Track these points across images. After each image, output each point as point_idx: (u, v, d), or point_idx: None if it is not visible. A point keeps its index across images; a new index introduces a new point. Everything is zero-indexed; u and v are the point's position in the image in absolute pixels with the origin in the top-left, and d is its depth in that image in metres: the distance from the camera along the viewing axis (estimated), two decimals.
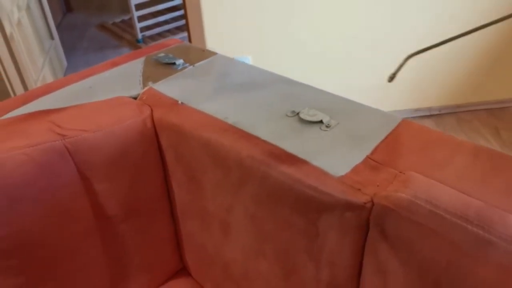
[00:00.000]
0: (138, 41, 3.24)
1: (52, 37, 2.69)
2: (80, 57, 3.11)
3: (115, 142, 0.83)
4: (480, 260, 0.51)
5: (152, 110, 0.87)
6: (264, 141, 0.75)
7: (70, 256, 0.87)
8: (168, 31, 3.39)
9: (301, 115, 0.81)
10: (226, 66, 1.01)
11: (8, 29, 1.89)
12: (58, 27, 3.35)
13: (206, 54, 1.07)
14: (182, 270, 1.09)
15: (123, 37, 3.38)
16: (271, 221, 0.72)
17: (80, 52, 3.19)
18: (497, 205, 0.57)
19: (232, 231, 0.81)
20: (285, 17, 1.86)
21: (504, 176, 0.62)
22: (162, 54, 1.07)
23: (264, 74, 0.98)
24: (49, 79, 2.46)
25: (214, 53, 1.08)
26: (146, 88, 0.93)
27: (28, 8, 2.31)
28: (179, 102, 0.87)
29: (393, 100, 2.11)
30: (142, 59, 1.06)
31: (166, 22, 3.43)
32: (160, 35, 3.34)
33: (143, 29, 3.26)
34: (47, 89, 0.93)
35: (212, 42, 1.85)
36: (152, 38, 3.30)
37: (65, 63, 2.92)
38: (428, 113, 2.13)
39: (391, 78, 0.79)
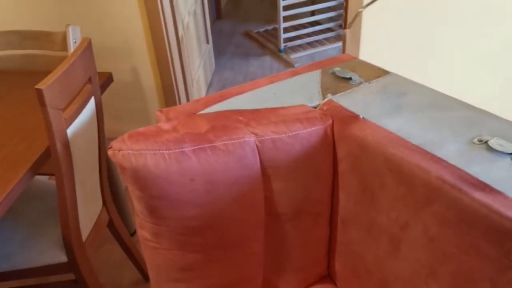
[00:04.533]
0: (280, 50, 3.38)
1: (207, 42, 2.95)
2: (226, 62, 3.35)
3: (298, 146, 0.89)
4: None
5: (333, 121, 0.92)
6: (453, 165, 0.75)
7: (240, 243, 0.95)
8: (308, 43, 3.49)
9: (490, 144, 0.79)
10: (402, 85, 1.03)
11: (180, 31, 2.13)
12: None
13: (380, 72, 1.10)
14: (326, 277, 1.12)
15: (266, 46, 3.56)
16: (455, 245, 0.72)
17: (226, 57, 3.44)
18: None
19: (402, 247, 0.82)
20: (444, 41, 1.81)
21: None
22: (338, 68, 1.12)
23: (442, 96, 0.97)
24: (202, 80, 2.70)
25: (388, 72, 1.10)
26: (326, 100, 0.99)
27: (194, 13, 2.56)
28: (361, 116, 0.91)
29: None
30: (318, 71, 1.12)
31: (307, 35, 3.53)
32: (300, 46, 3.45)
33: (285, 40, 3.41)
34: (238, 90, 1.03)
35: (364, 55, 1.88)
36: (293, 49, 3.42)
37: (213, 66, 3.17)
38: None
39: None
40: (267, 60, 3.34)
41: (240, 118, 0.91)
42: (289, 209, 0.95)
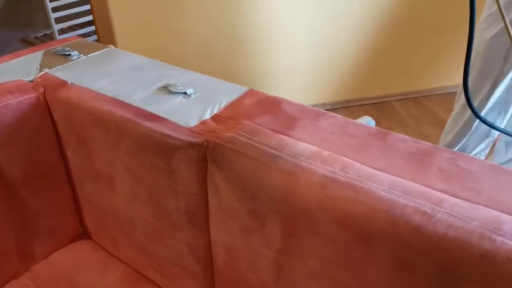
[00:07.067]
0: None
1: None
2: None
3: (10, 115, 0.98)
4: (272, 168, 0.73)
5: (45, 89, 1.03)
6: (135, 106, 0.93)
7: None
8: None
9: (170, 88, 1.01)
10: (116, 55, 1.19)
11: None
12: None
13: (99, 47, 1.25)
14: (83, 235, 1.23)
15: None
16: (142, 168, 0.90)
17: None
18: (293, 136, 0.80)
19: (116, 184, 0.98)
20: (184, 30, 2.07)
21: (306, 120, 0.86)
22: (59, 47, 1.23)
23: (148, 61, 1.16)
24: None
25: (107, 46, 1.26)
26: (41, 73, 1.09)
27: None
28: (69, 82, 1.04)
29: (290, 96, 2.37)
30: (41, 51, 1.21)
31: (86, 35, 3.53)
32: None
33: None
34: None
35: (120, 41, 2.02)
36: None
37: None
38: (323, 108, 2.42)
39: None
40: None
41: None
42: (19, 175, 1.03)
